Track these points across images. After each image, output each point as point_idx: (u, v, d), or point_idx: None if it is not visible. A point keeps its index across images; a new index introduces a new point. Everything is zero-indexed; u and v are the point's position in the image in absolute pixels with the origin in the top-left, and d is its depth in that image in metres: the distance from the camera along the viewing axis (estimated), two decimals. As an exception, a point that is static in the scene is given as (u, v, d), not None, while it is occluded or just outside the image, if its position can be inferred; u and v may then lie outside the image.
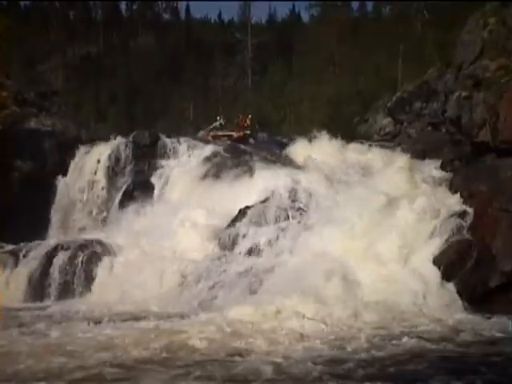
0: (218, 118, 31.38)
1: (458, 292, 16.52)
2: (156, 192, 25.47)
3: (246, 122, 30.40)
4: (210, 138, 29.74)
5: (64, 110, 37.51)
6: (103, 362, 11.42)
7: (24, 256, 20.85)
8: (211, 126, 31.23)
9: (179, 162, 26.56)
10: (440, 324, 14.74)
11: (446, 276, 16.92)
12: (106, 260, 20.63)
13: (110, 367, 11.10)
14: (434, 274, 17.00)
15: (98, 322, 15.22)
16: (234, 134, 29.58)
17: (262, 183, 23.01)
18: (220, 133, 30.42)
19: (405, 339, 13.19)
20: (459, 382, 10.53)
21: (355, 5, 70.19)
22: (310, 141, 27.40)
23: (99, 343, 12.85)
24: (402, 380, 10.63)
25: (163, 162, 26.50)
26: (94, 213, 25.51)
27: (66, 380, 10.49)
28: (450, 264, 17.22)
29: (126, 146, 26.72)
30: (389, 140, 31.30)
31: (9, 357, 11.81)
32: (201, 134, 32.15)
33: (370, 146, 27.82)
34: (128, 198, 25.28)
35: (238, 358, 11.77)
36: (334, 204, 20.80)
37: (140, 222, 23.35)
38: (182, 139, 27.98)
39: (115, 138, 27.28)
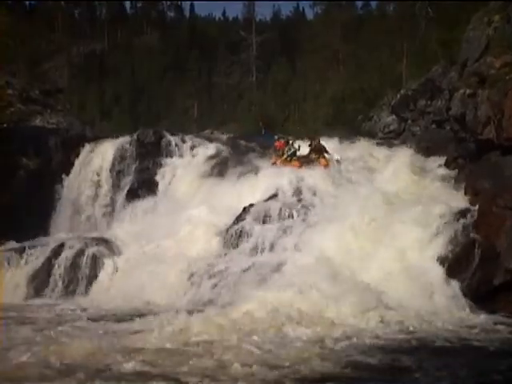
0: (291, 141, 24.60)
1: (462, 290, 16.46)
2: (160, 190, 25.53)
3: (319, 143, 24.49)
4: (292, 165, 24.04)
5: (68, 108, 37.52)
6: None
7: (29, 254, 20.96)
8: (287, 152, 24.21)
9: (184, 159, 26.58)
10: (444, 322, 14.72)
11: (451, 274, 16.86)
12: (110, 258, 20.72)
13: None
14: (438, 272, 16.97)
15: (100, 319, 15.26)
16: (321, 163, 24.04)
17: (267, 181, 23.04)
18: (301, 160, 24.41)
19: (406, 338, 13.18)
20: (460, 379, 10.55)
21: (359, 3, 70.04)
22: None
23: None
24: (403, 375, 10.63)
25: (167, 160, 26.52)
26: (99, 211, 25.57)
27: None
28: (454, 262, 17.17)
29: (131, 143, 26.77)
30: (393, 138, 31.31)
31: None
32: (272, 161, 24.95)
33: (374, 143, 27.85)
34: (132, 195, 25.34)
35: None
36: (339, 202, 20.78)
37: (144, 220, 23.39)
38: (186, 137, 28.00)
39: (119, 137, 27.38)
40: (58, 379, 10.24)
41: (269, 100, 54.96)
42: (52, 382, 10.15)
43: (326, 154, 24.26)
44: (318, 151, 24.33)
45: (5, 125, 25.78)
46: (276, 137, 25.36)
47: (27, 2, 68.52)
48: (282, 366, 10.90)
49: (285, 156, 24.20)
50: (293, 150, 24.17)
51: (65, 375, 10.41)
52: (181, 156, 26.78)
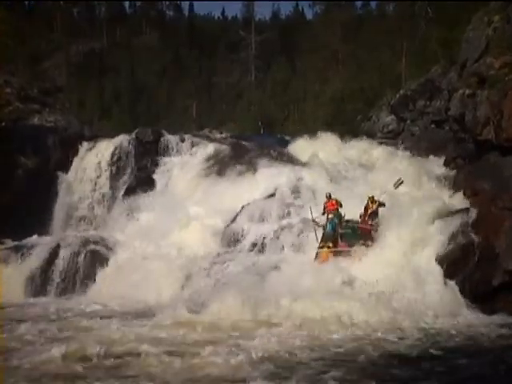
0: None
1: (461, 290, 16.48)
2: (159, 189, 25.49)
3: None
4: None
5: (67, 107, 37.43)
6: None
7: (27, 252, 20.92)
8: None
9: (182, 158, 26.54)
10: (442, 322, 14.70)
11: (449, 274, 16.87)
12: (108, 257, 20.68)
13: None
14: (437, 272, 16.95)
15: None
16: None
17: (265, 180, 23.03)
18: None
19: (406, 336, 13.16)
20: (459, 377, 10.54)
21: (358, 3, 69.83)
22: (313, 138, 27.41)
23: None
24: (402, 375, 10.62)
25: (166, 159, 26.49)
26: (97, 209, 25.53)
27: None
28: (452, 262, 17.18)
29: (129, 142, 26.73)
30: (392, 138, 31.27)
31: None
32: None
33: (373, 143, 27.85)
34: (131, 194, 25.29)
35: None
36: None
37: (143, 219, 23.36)
38: (185, 136, 27.95)
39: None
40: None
41: (268, 99, 54.93)
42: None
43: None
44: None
45: (3, 123, 25.70)
46: (328, 195, 19.50)
47: (26, 2, 68.10)
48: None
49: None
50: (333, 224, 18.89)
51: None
52: (179, 155, 26.75)
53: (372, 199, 18.96)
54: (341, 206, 19.21)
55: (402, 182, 19.87)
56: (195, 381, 10.26)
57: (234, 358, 11.21)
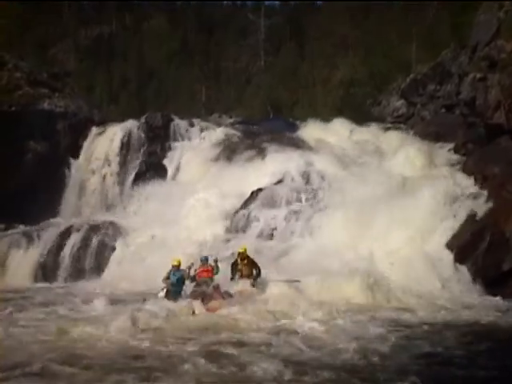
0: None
1: (472, 275, 16.43)
2: (168, 174, 25.53)
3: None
4: None
5: (76, 92, 37.43)
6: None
7: (37, 237, 21.01)
8: None
9: (191, 143, 26.53)
10: (452, 306, 14.67)
11: (459, 259, 16.83)
12: (117, 241, 20.74)
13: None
14: (447, 257, 16.92)
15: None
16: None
17: (275, 165, 22.98)
18: None
19: (415, 321, 13.15)
20: (466, 365, 10.53)
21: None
22: (324, 123, 27.33)
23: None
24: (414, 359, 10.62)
25: (176, 144, 26.49)
26: (107, 194, 25.59)
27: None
28: (463, 247, 17.13)
29: (139, 127, 26.72)
30: (402, 122, 31.17)
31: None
32: None
33: (383, 128, 27.74)
34: (140, 179, 25.33)
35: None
36: (348, 186, 20.68)
37: (152, 204, 23.40)
38: (194, 121, 27.92)
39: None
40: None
41: (277, 84, 54.70)
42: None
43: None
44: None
45: (13, 108, 25.69)
46: (203, 258, 15.31)
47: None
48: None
49: None
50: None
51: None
52: (189, 140, 26.75)
53: (242, 255, 15.18)
54: (217, 272, 14.93)
55: None
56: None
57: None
